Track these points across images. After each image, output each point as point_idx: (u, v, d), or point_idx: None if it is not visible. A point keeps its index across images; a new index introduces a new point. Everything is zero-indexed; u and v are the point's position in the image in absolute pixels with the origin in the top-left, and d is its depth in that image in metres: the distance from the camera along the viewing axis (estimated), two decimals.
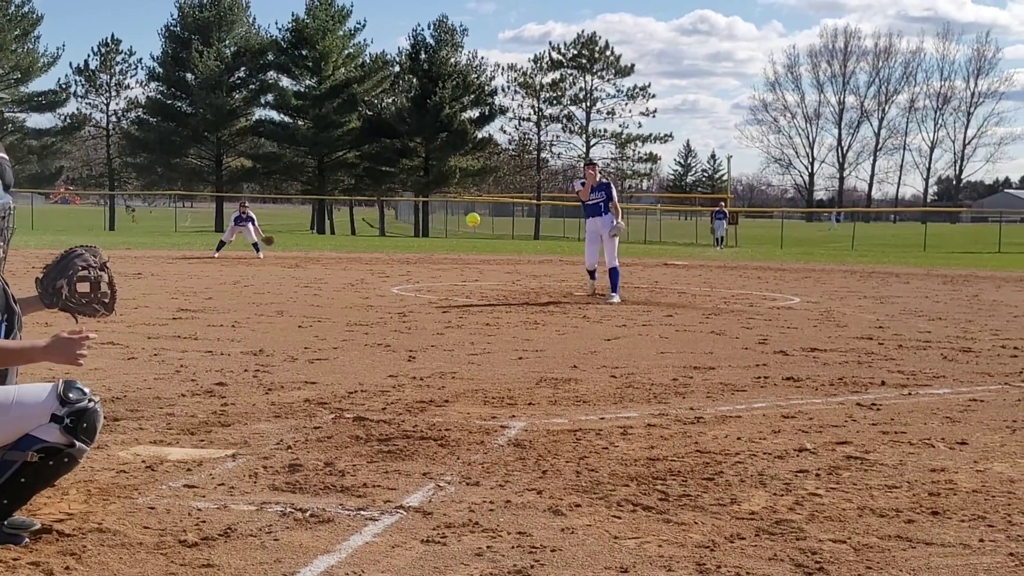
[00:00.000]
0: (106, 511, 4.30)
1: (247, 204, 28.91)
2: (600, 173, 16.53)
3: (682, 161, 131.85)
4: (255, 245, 27.02)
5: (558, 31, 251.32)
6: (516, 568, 3.76)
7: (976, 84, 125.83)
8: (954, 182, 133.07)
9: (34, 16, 64.55)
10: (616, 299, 15.17)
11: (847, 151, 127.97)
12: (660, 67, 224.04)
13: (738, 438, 6.00)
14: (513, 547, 3.97)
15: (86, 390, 3.95)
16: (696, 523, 4.33)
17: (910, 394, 7.65)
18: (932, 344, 10.66)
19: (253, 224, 27.19)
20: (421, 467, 5.17)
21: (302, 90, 66.24)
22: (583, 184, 15.80)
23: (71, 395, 3.89)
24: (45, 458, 3.85)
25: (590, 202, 15.68)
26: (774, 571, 3.79)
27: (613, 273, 15.56)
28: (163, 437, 5.77)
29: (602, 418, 6.55)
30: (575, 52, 73.96)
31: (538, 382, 7.88)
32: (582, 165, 17.12)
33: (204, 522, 4.19)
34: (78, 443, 3.88)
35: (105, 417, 6.15)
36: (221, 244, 27.65)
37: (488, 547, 3.96)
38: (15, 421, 3.83)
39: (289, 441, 5.68)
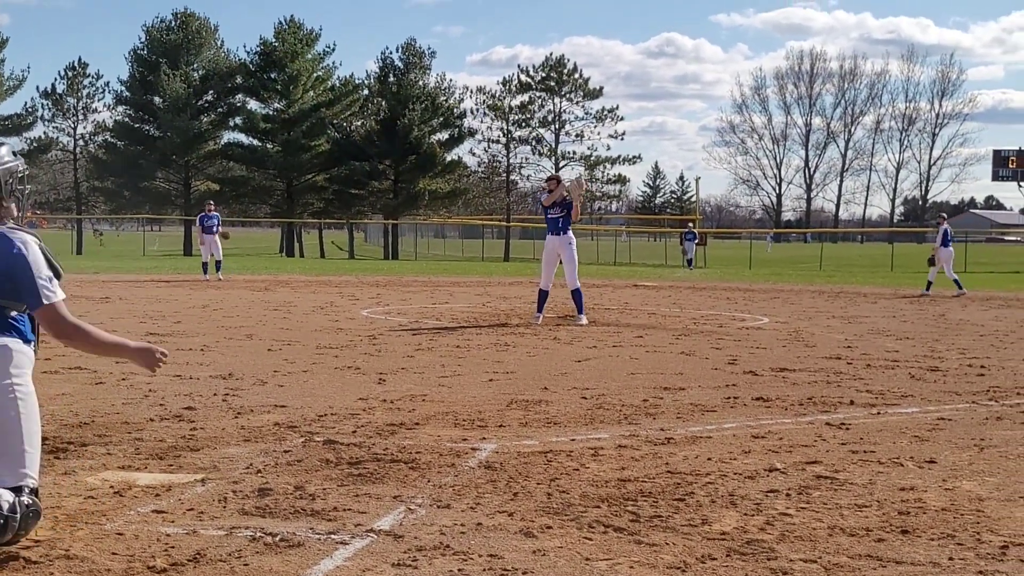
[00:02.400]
0: (74, 537, 4.25)
1: (212, 204, 28.68)
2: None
3: (651, 183, 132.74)
4: (217, 263, 26.79)
5: (526, 54, 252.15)
6: None
7: (940, 105, 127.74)
8: (920, 202, 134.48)
9: None
10: (584, 320, 14.99)
11: (814, 172, 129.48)
12: (628, 89, 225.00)
13: (708, 458, 6.01)
14: (485, 570, 3.96)
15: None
16: (667, 544, 4.32)
17: (879, 413, 7.69)
18: (900, 363, 10.74)
19: (218, 224, 27.07)
20: (392, 490, 5.15)
21: (271, 113, 66.25)
22: (550, 192, 15.19)
23: (38, 498, 4.08)
24: None
25: (550, 216, 15.23)
26: None
27: (576, 295, 15.25)
28: (131, 462, 5.71)
29: (573, 439, 6.54)
30: (543, 75, 74.28)
31: (509, 404, 7.87)
32: (545, 180, 16.48)
33: (173, 547, 4.15)
34: (18, 517, 3.92)
35: (72, 443, 6.14)
36: (204, 266, 27.24)
37: (459, 570, 3.95)
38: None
39: (259, 465, 5.64)
